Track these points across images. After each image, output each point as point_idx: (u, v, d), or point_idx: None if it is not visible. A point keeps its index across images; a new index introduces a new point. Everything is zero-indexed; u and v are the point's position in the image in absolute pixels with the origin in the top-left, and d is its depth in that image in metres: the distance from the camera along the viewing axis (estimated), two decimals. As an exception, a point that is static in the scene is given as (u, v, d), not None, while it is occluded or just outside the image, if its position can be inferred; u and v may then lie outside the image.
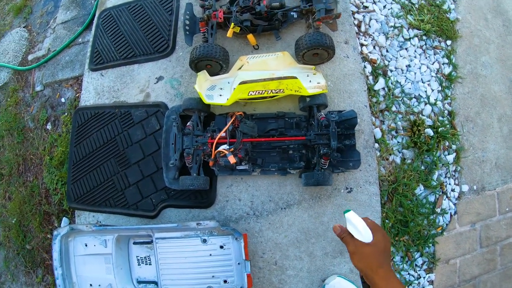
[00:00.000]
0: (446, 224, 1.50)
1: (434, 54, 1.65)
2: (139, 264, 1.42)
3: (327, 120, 1.27)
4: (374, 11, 1.65)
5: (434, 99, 1.57)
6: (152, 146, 1.46)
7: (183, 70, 1.53)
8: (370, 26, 1.61)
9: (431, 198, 1.49)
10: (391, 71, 1.57)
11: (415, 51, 1.63)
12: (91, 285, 1.41)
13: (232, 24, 1.41)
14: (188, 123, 1.34)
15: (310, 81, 1.36)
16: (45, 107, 1.87)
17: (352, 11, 1.60)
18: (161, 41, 1.58)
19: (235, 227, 1.35)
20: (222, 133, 1.27)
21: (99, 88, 1.64)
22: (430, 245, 1.45)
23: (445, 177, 1.52)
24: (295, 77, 1.25)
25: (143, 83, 1.56)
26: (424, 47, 1.65)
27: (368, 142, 1.39)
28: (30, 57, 1.98)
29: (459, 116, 1.60)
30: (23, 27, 2.18)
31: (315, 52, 1.36)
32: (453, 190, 1.53)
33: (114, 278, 1.37)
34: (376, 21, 1.63)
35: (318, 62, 1.44)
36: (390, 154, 1.46)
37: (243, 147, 1.27)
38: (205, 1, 1.47)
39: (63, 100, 1.84)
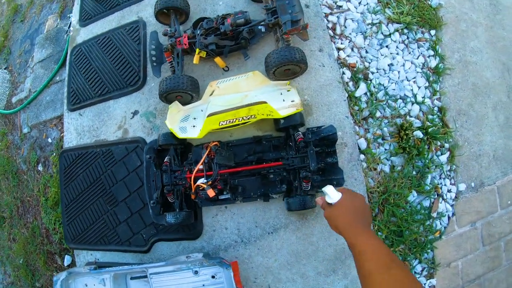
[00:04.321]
0: (444, 228, 1.45)
1: (418, 48, 1.55)
2: (139, 298, 1.45)
3: (304, 141, 1.23)
4: (349, 9, 1.55)
5: (422, 97, 1.49)
6: (136, 183, 1.46)
7: (157, 101, 1.50)
8: (346, 27, 1.52)
9: (426, 203, 1.43)
10: (373, 73, 1.48)
11: (397, 47, 1.53)
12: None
13: (198, 49, 1.36)
14: (166, 159, 1.32)
15: (283, 100, 1.30)
16: (34, 148, 1.90)
17: (324, 13, 1.51)
18: (132, 74, 1.55)
19: (225, 255, 1.35)
20: (199, 167, 1.25)
21: (79, 128, 1.64)
22: (429, 251, 1.41)
23: (440, 178, 1.46)
24: (264, 102, 1.20)
25: (119, 119, 1.55)
26: (406, 42, 1.55)
27: (352, 155, 1.34)
28: (14, 99, 2.00)
29: (451, 111, 1.51)
30: (4, 69, 2.19)
31: (286, 68, 1.30)
32: (449, 191, 1.47)
33: (115, 314, 1.41)
34: (352, 20, 1.53)
35: (292, 77, 1.38)
36: (378, 164, 1.41)
37: (221, 178, 1.24)
38: (168, 29, 1.42)
39: (50, 140, 1.86)
